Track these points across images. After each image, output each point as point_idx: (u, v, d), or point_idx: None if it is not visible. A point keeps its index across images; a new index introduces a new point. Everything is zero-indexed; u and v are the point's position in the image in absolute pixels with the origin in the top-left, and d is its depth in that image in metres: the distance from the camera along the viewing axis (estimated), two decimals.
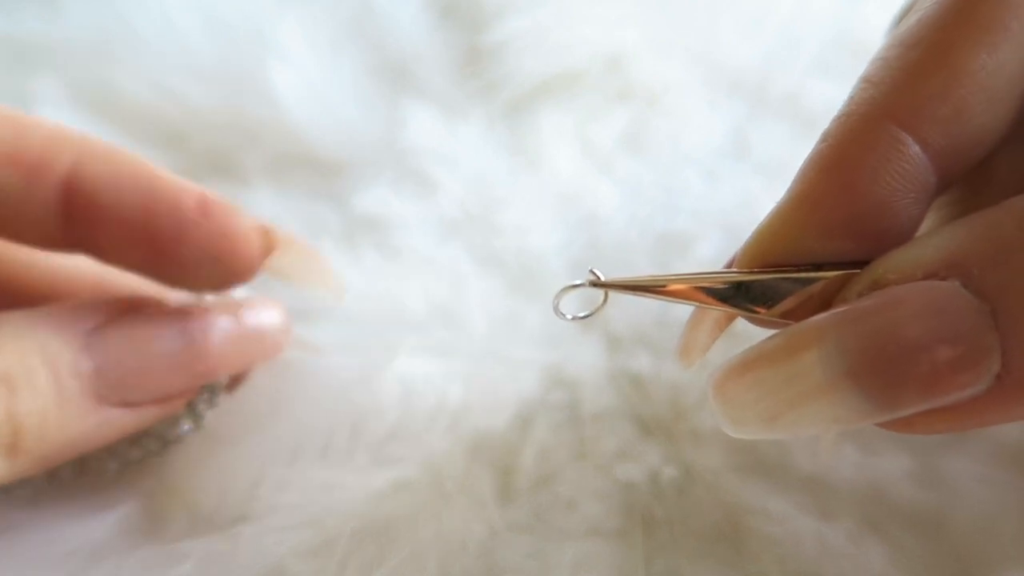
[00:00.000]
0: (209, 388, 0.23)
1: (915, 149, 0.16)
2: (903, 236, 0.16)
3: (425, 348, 0.26)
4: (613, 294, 0.18)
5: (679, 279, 0.17)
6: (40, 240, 0.21)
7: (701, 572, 0.22)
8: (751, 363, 0.16)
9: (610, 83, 0.32)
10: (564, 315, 0.18)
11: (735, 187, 0.29)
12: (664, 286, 0.17)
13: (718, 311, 0.18)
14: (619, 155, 0.31)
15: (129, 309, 0.21)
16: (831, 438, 0.23)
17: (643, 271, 0.28)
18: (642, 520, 0.23)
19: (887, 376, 0.14)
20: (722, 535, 0.22)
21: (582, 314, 0.18)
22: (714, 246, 0.28)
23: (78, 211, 0.20)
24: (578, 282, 0.18)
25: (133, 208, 0.20)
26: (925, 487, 0.22)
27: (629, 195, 0.29)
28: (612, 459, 0.24)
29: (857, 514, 0.22)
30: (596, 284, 0.17)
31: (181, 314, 0.21)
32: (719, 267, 0.19)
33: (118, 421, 0.20)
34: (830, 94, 0.31)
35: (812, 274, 0.17)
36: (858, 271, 0.16)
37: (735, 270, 0.17)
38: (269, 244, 0.21)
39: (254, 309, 0.23)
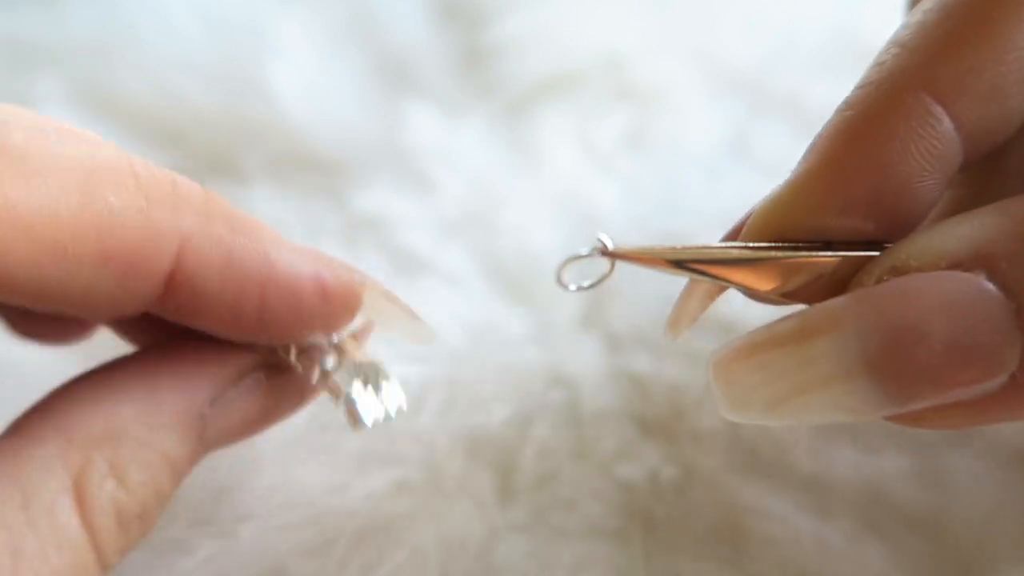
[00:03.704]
0: None
1: (948, 125, 0.15)
2: (920, 217, 0.15)
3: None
4: (619, 269, 0.17)
5: (687, 250, 0.16)
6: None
7: (701, 572, 0.22)
8: (760, 344, 0.15)
9: (610, 83, 0.32)
10: (567, 286, 0.17)
11: (735, 187, 0.29)
12: (671, 256, 0.16)
13: (719, 285, 0.17)
14: (619, 155, 0.31)
15: (236, 376, 0.19)
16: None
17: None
18: (642, 520, 0.23)
19: (903, 369, 0.14)
20: (722, 535, 0.22)
21: (586, 283, 0.17)
22: None
23: (177, 302, 0.17)
24: (584, 251, 0.17)
25: (244, 297, 0.17)
26: (925, 487, 0.22)
27: (629, 195, 0.29)
28: (612, 459, 0.24)
29: (857, 514, 0.22)
30: (603, 253, 0.17)
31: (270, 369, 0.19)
32: None
33: None
34: (830, 94, 0.30)
35: (824, 254, 0.16)
36: (874, 253, 0.15)
37: (746, 243, 0.17)
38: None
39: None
